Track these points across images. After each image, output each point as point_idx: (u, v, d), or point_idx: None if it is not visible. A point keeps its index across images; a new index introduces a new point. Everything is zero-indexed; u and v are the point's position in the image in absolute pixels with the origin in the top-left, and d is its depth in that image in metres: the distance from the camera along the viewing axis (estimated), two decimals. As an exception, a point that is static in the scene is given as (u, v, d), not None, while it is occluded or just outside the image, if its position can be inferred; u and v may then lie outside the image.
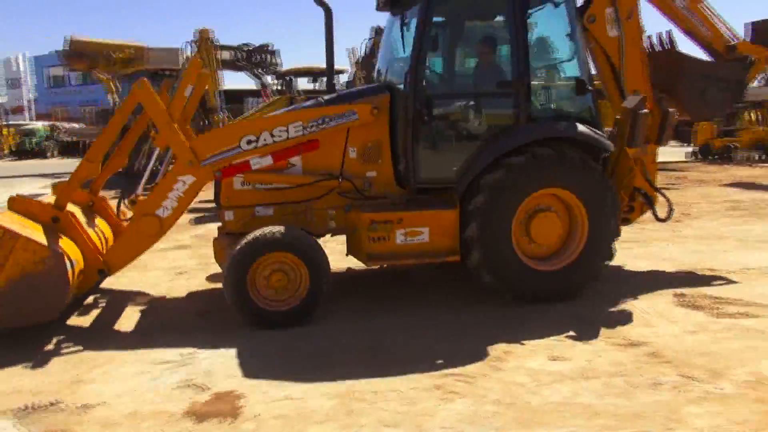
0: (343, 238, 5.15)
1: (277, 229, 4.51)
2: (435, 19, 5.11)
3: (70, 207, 4.69)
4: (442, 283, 5.78)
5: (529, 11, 4.94)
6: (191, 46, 13.33)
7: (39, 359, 4.01)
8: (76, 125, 35.32)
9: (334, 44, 5.51)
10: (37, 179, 16.33)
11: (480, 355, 3.97)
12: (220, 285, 5.70)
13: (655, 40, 6.14)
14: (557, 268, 4.99)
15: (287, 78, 16.89)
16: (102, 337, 4.36)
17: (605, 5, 5.42)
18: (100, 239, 4.87)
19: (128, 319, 4.80)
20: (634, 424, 3.08)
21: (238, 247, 4.43)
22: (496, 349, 4.06)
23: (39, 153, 28.13)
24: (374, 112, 4.90)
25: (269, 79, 16.28)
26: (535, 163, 4.77)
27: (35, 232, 4.19)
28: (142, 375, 3.76)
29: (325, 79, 16.83)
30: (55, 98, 47.51)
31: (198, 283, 5.88)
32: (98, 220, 5.16)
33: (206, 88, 12.49)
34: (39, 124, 31.40)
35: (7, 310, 4.08)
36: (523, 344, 4.14)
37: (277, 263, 4.50)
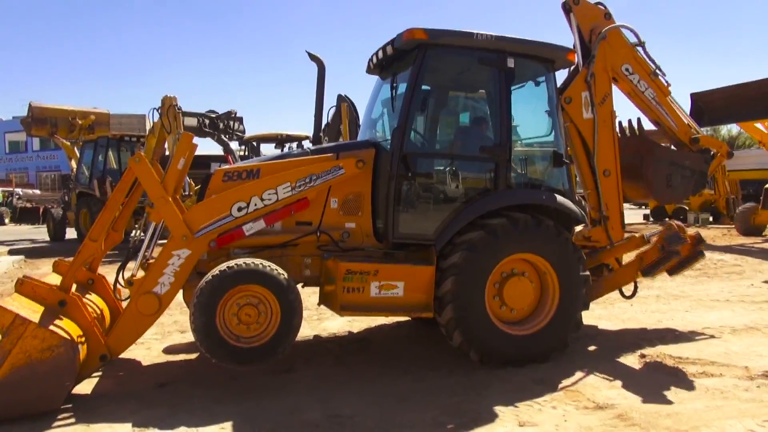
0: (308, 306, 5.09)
1: (249, 260, 4.45)
2: (424, 87, 5.34)
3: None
4: (403, 351, 5.70)
5: (512, 88, 5.22)
6: (156, 113, 13.41)
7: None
8: (33, 191, 34.64)
9: (324, 97, 5.68)
10: (-11, 247, 15.72)
11: (447, 423, 3.89)
12: (179, 356, 5.57)
13: (625, 125, 6.53)
14: (526, 334, 5.03)
15: (252, 144, 17.03)
16: (49, 412, 4.10)
17: (581, 89, 5.80)
18: (100, 320, 4.72)
19: (80, 392, 4.56)
20: (605, 491, 3.03)
21: (208, 277, 4.34)
22: (464, 417, 3.98)
23: (-6, 219, 27.30)
24: (359, 164, 5.00)
25: (234, 145, 16.42)
26: (513, 227, 4.91)
27: (45, 318, 4.04)
28: (92, 454, 3.53)
29: (293, 144, 17.06)
30: (13, 164, 46.75)
31: (156, 353, 5.66)
32: (97, 299, 5.02)
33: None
34: (-5, 190, 30.62)
35: (8, 398, 3.85)
36: (490, 410, 4.08)
37: (248, 296, 4.42)
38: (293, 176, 4.90)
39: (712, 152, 6.29)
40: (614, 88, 6.01)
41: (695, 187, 6.37)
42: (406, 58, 5.22)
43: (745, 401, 4.19)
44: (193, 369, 5.24)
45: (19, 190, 32.58)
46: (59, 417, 4.04)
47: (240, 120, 16.66)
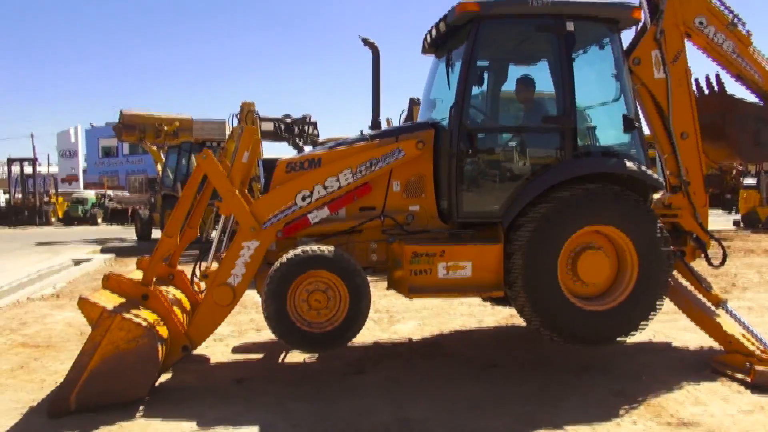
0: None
1: (315, 246, 4.56)
2: (481, 62, 5.27)
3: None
4: (475, 357, 5.61)
5: (575, 54, 5.05)
6: (236, 118, 13.94)
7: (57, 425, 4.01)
8: (123, 193, 36.93)
9: (380, 82, 5.68)
10: (84, 245, 16.87)
11: (520, 432, 3.80)
12: (255, 354, 5.75)
13: (703, 83, 6.13)
14: (603, 309, 4.83)
15: (326, 148, 17.38)
16: (136, 400, 4.34)
17: (651, 48, 5.46)
18: (182, 314, 4.97)
19: (165, 384, 4.79)
20: None
21: (276, 265, 4.48)
22: (537, 427, 3.88)
23: (87, 219, 29.27)
24: (419, 145, 4.99)
25: (309, 149, 16.83)
26: (584, 198, 4.73)
27: (129, 311, 4.32)
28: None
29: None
30: (105, 168, 49.99)
31: (233, 350, 5.87)
32: (177, 293, 5.28)
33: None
34: (90, 192, 32.80)
35: (99, 387, 4.14)
36: (565, 422, 3.95)
37: (316, 282, 4.52)
38: (354, 162, 4.93)
39: None
40: (687, 44, 5.61)
41: None
42: (460, 33, 5.13)
43: None
44: (268, 366, 5.40)
45: (110, 193, 34.79)
46: (146, 407, 4.27)
47: (314, 124, 16.99)
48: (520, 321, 5.56)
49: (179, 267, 5.50)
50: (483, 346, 6.00)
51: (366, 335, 6.03)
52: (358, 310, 4.55)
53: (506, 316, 6.85)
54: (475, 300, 7.38)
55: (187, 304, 5.27)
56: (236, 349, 5.89)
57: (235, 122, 13.88)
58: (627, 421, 3.99)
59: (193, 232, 5.41)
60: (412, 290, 4.76)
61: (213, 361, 5.53)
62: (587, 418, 4.00)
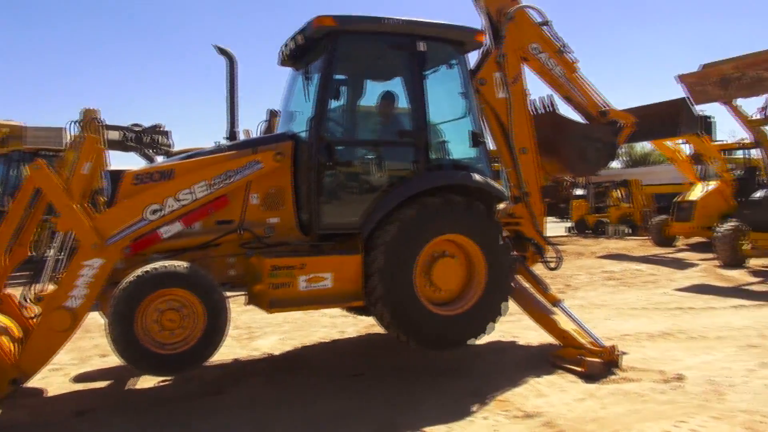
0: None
1: (167, 263, 4.31)
2: (338, 76, 5.38)
3: None
4: (338, 368, 5.66)
5: (426, 72, 5.33)
6: (76, 126, 12.81)
7: None
8: (-64, 209, 32.09)
9: (237, 92, 5.53)
10: None
11: (381, 438, 3.87)
12: (99, 382, 5.27)
13: (538, 103, 6.77)
14: (457, 313, 5.13)
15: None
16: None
17: (493, 70, 5.96)
18: (11, 343, 4.35)
19: (-12, 427, 4.23)
20: (534, 498, 3.10)
21: (123, 284, 4.16)
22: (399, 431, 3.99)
23: None
24: (278, 157, 4.93)
25: (161, 159, 15.93)
26: (436, 209, 5.00)
27: None
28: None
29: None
30: None
31: (74, 380, 5.34)
32: (6, 320, 4.62)
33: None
34: None
35: None
36: (424, 423, 4.10)
37: (169, 301, 4.27)
38: (209, 174, 4.77)
39: (619, 124, 6.55)
40: (525, 68, 6.21)
41: (607, 158, 6.68)
42: (318, 47, 5.23)
43: (662, 403, 4.43)
44: (115, 394, 4.98)
45: None
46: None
47: (167, 134, 16.19)
48: (381, 329, 5.71)
49: (7, 291, 4.91)
50: (346, 356, 6.05)
51: (225, 353, 5.81)
52: (216, 327, 4.37)
53: (367, 325, 6.98)
54: (337, 311, 7.43)
55: (17, 332, 4.70)
56: (77, 379, 5.36)
57: (75, 130, 12.74)
58: (479, 417, 4.24)
59: (24, 251, 4.86)
60: (272, 304, 4.68)
61: (50, 393, 4.98)
62: (444, 418, 4.19)
